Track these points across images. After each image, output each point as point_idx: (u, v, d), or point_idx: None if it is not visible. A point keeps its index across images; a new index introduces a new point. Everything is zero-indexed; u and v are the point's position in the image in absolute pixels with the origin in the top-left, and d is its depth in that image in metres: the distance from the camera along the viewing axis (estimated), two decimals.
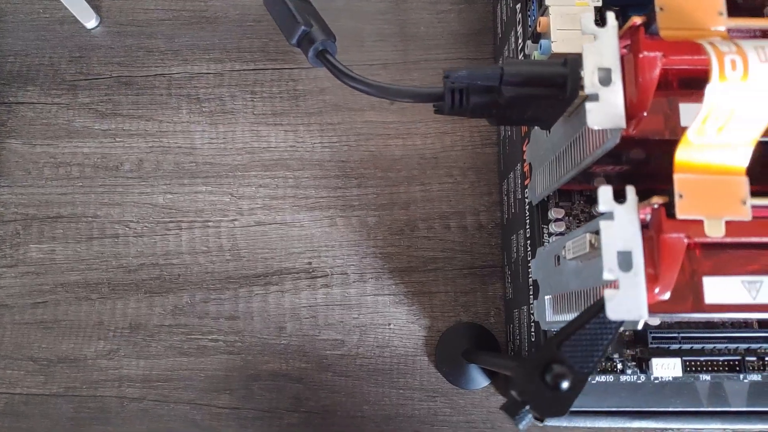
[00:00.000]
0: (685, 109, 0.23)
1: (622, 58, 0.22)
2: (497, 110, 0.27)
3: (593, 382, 0.32)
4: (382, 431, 0.41)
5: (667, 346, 0.31)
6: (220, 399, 0.41)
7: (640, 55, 0.21)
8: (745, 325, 0.32)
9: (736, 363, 0.31)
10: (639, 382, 0.32)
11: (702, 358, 0.31)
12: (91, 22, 0.46)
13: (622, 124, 0.21)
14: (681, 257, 0.20)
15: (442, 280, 0.43)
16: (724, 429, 0.32)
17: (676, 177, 0.20)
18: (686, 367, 0.31)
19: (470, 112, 0.27)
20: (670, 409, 0.32)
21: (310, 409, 0.41)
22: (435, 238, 0.43)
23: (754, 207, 0.20)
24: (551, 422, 0.32)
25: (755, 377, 0.32)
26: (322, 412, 0.41)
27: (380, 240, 0.43)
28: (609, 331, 0.20)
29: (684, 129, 0.23)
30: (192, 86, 0.46)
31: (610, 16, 0.22)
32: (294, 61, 0.46)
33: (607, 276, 0.20)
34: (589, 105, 0.21)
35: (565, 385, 0.19)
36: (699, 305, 0.21)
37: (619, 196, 0.21)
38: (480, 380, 0.41)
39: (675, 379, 0.32)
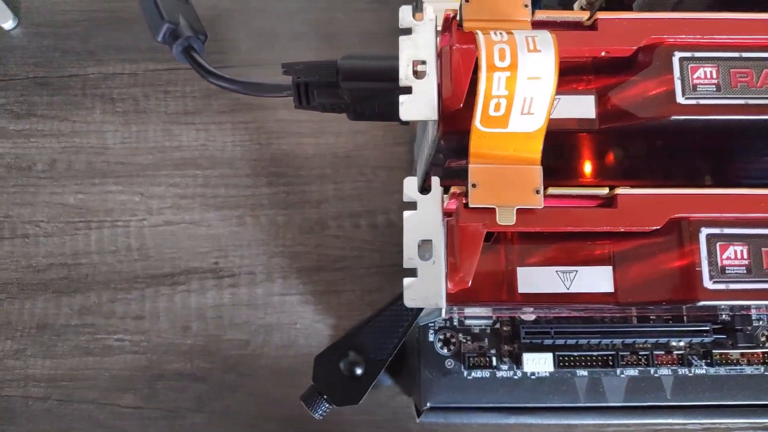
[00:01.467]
0: None
1: (441, 52, 0.22)
2: (346, 105, 0.27)
3: (469, 377, 0.32)
4: None
5: (540, 341, 0.31)
6: (123, 398, 0.41)
7: (454, 48, 0.21)
8: (624, 320, 0.32)
9: (610, 358, 0.31)
10: (516, 378, 0.32)
11: (575, 353, 0.31)
12: (8, 23, 0.46)
13: (433, 116, 0.21)
14: (479, 246, 0.20)
15: (350, 279, 0.43)
16: (601, 424, 0.32)
17: (471, 166, 0.20)
18: (560, 362, 0.31)
19: (322, 107, 0.27)
20: (547, 405, 0.32)
21: (213, 410, 0.41)
22: (345, 236, 0.43)
23: (554, 196, 0.20)
24: (428, 419, 0.32)
25: (632, 372, 0.32)
26: (225, 413, 0.41)
27: (289, 239, 0.43)
28: (406, 319, 0.20)
29: None
30: (106, 86, 0.46)
31: (428, 9, 0.22)
32: (207, 60, 0.46)
33: (407, 264, 0.20)
34: (402, 97, 0.21)
35: (358, 371, 0.19)
36: (512, 295, 0.21)
37: None
38: (383, 379, 0.40)
39: (552, 374, 0.32)
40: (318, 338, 0.42)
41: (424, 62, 0.22)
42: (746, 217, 0.21)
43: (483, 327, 0.32)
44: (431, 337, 0.32)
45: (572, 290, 0.21)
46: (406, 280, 0.20)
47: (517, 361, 0.32)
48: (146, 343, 0.42)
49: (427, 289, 0.20)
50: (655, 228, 0.20)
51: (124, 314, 0.42)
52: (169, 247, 0.43)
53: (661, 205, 0.20)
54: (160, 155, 0.44)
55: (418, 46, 0.22)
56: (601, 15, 0.22)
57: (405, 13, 0.22)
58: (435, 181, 0.21)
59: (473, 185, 0.20)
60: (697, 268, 0.20)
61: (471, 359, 0.31)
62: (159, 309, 0.42)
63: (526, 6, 0.21)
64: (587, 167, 0.25)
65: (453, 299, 0.20)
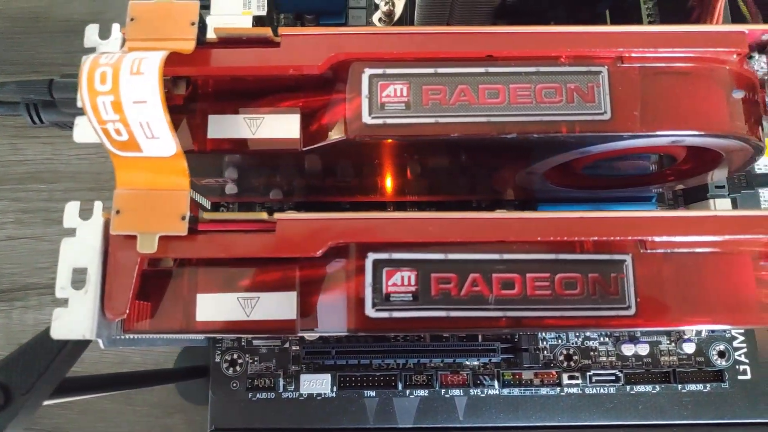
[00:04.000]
0: (214, 120, 0.22)
1: None
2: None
3: (254, 399, 0.31)
4: None
5: (321, 361, 0.30)
6: None
7: None
8: (419, 338, 0.31)
9: (393, 378, 0.30)
10: (302, 399, 0.31)
11: (358, 374, 0.30)
12: None
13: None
14: (133, 274, 0.19)
15: None
16: None
17: (116, 192, 0.19)
18: (342, 383, 0.30)
19: (59, 126, 0.26)
20: (334, 427, 0.31)
21: (43, 427, 0.40)
22: None
23: (215, 221, 0.20)
24: None
25: (423, 393, 0.31)
26: (55, 431, 0.40)
27: None
28: (52, 350, 0.19)
29: (212, 141, 0.22)
30: None
31: (114, 28, 0.22)
32: (59, 72, 0.45)
33: (59, 294, 0.19)
34: (78, 119, 0.21)
35: None
36: (190, 323, 0.21)
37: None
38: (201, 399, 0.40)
39: (339, 395, 0.31)
40: (153, 356, 0.41)
41: None
42: (418, 241, 0.20)
43: (271, 347, 0.31)
44: (218, 358, 0.31)
45: (252, 317, 0.20)
46: (56, 311, 0.19)
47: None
48: None
49: (76, 320, 0.19)
50: (317, 254, 0.19)
51: None
52: (9, 263, 0.42)
53: (322, 230, 0.19)
54: (3, 170, 0.44)
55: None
56: (286, 31, 0.21)
57: (90, 32, 0.21)
58: (96, 206, 0.20)
59: (117, 211, 0.19)
60: (361, 296, 0.19)
61: (252, 381, 0.30)
62: None
63: (192, 24, 0.20)
64: (292, 187, 0.24)
65: (127, 328, 0.20)
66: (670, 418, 0.31)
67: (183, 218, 0.19)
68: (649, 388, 0.31)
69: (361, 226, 0.20)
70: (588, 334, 0.32)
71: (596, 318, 0.19)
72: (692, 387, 0.31)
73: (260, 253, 0.19)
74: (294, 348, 0.31)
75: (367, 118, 0.21)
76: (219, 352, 0.31)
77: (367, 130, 0.21)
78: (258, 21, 0.32)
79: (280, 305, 0.21)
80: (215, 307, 0.21)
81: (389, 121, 0.21)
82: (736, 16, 0.43)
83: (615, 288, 0.20)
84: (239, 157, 0.24)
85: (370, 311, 0.19)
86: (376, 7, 0.34)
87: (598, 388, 0.31)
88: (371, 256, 0.20)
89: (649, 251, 0.20)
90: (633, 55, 0.22)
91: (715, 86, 0.22)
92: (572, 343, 0.32)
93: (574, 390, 0.31)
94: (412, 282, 0.19)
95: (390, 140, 0.21)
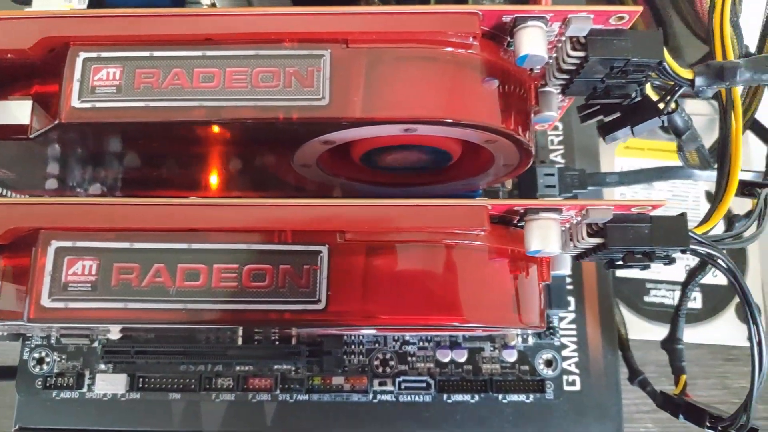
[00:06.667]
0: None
1: None
2: None
3: (59, 398, 0.30)
4: None
5: (121, 361, 0.29)
6: None
7: None
8: (231, 339, 0.30)
9: (193, 381, 0.29)
10: (106, 400, 0.30)
11: (157, 375, 0.29)
12: None
13: None
14: None
15: None
16: None
17: None
18: (143, 384, 0.29)
19: None
20: (137, 429, 0.30)
21: None
22: None
23: None
24: None
25: (230, 397, 0.30)
26: None
27: None
28: None
29: None
30: None
31: None
32: None
33: None
34: None
35: None
36: None
37: None
38: None
39: (145, 397, 0.30)
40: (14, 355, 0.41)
41: None
42: (103, 228, 0.19)
43: (80, 345, 0.30)
44: (26, 356, 0.31)
45: None
46: None
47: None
48: None
49: None
50: None
51: None
52: None
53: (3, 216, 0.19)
54: None
55: None
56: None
57: None
58: None
59: None
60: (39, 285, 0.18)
61: (56, 380, 0.30)
62: None
63: None
64: (114, 182, 0.23)
65: None
66: (491, 430, 0.30)
67: None
68: (468, 397, 0.30)
69: (44, 213, 0.19)
70: (407, 338, 0.30)
71: (280, 312, 0.18)
72: (514, 397, 0.30)
73: None
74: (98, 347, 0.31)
75: (76, 102, 0.20)
76: (28, 350, 0.31)
77: (76, 115, 0.20)
78: None
79: None
80: None
81: (98, 105, 0.20)
82: None
83: (307, 281, 0.19)
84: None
85: (45, 301, 0.18)
86: None
87: (412, 396, 0.30)
88: (54, 244, 0.19)
89: (349, 243, 0.19)
90: (360, 38, 0.21)
91: (452, 72, 0.21)
92: (390, 348, 0.30)
93: (387, 397, 0.30)
94: (93, 271, 0.19)
95: (99, 124, 0.20)
